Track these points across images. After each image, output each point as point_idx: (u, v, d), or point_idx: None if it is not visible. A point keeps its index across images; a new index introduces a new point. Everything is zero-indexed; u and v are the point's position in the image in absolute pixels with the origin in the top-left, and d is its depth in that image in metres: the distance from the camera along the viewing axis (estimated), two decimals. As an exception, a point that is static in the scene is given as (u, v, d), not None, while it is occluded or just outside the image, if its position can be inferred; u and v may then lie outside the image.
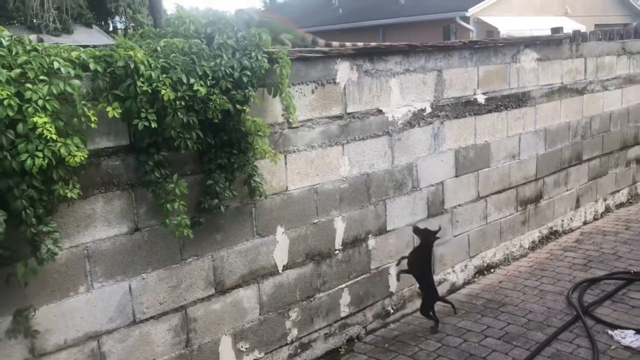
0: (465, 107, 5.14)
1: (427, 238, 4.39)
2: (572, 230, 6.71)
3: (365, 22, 20.63)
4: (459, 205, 5.23)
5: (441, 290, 5.12)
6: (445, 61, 4.88)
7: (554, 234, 6.49)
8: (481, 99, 5.29)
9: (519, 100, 5.71)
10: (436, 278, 5.07)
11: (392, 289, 4.71)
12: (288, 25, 4.11)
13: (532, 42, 5.75)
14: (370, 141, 4.37)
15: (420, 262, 4.43)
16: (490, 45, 5.32)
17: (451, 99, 4.99)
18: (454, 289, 5.26)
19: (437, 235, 4.39)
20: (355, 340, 4.43)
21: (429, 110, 4.79)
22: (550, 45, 5.96)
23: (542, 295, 4.99)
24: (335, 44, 4.12)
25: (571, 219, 6.74)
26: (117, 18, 22.68)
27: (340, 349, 4.31)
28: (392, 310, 4.72)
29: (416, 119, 4.70)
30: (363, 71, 4.24)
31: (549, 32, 6.21)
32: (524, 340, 4.23)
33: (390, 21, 19.77)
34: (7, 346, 2.80)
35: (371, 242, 4.49)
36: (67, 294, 2.99)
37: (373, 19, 20.47)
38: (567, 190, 6.58)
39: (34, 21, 16.87)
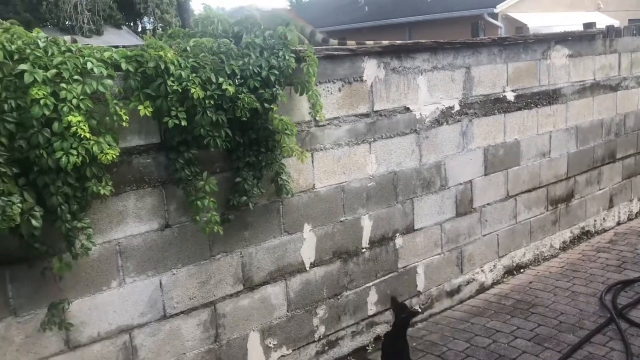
0: (494, 105, 5.07)
1: (399, 316, 3.58)
2: (605, 231, 6.55)
3: (391, 19, 20.51)
4: (487, 204, 5.16)
5: (469, 290, 5.08)
6: (474, 58, 4.82)
7: (586, 234, 6.35)
8: (510, 96, 5.21)
9: (550, 97, 5.60)
10: (465, 278, 5.03)
11: (420, 287, 4.68)
12: (289, 18, 4.09)
13: (563, 38, 5.64)
14: (398, 139, 4.35)
15: (394, 349, 3.58)
16: (520, 41, 5.24)
17: (480, 97, 4.93)
18: (482, 289, 5.19)
19: (413, 317, 3.67)
20: (383, 339, 4.41)
21: (457, 107, 4.74)
22: (582, 41, 5.83)
23: (574, 297, 4.89)
24: (350, 42, 4.11)
25: (604, 218, 6.58)
26: (145, 19, 23.07)
27: (367, 347, 4.31)
28: (419, 310, 4.69)
29: (444, 116, 4.66)
30: (390, 69, 4.22)
31: (580, 28, 6.07)
32: (555, 342, 4.15)
33: (417, 18, 19.60)
34: (44, 337, 2.89)
35: (398, 240, 4.46)
36: (100, 288, 3.06)
37: (399, 16, 20.34)
38: (599, 190, 6.42)
39: (67, 23, 17.30)
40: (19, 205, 2.52)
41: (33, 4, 17.43)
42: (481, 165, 5.05)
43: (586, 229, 6.35)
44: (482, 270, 5.21)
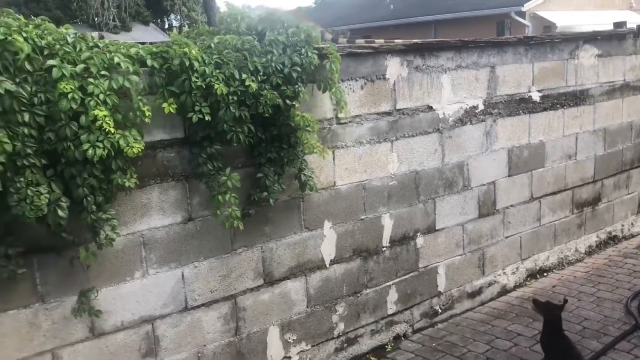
0: (519, 105, 5.01)
1: (550, 313, 3.58)
2: (632, 236, 6.41)
3: (417, 17, 20.33)
4: (511, 205, 5.10)
5: (490, 292, 5.03)
6: (499, 57, 4.76)
7: (612, 239, 6.22)
8: (536, 96, 5.13)
9: (577, 98, 5.50)
10: (486, 280, 4.98)
11: (441, 288, 4.65)
12: (293, 20, 4.00)
13: (592, 38, 5.53)
14: (420, 138, 4.33)
15: (550, 343, 3.62)
16: (547, 41, 5.16)
17: (504, 96, 4.87)
18: (504, 291, 5.13)
19: (563, 309, 3.56)
20: (402, 338, 4.41)
21: (481, 107, 4.70)
22: (612, 40, 5.71)
23: (598, 303, 4.80)
24: (359, 41, 4.06)
25: (632, 223, 6.43)
26: (172, 16, 23.37)
27: (386, 346, 4.30)
28: (440, 310, 4.66)
29: (468, 116, 4.62)
30: (413, 67, 4.20)
31: (610, 27, 5.95)
32: (578, 347, 4.06)
33: (443, 17, 19.40)
34: (70, 324, 2.97)
35: (419, 240, 4.45)
36: (124, 279, 3.12)
37: (425, 14, 20.16)
38: (628, 194, 6.29)
39: (95, 19, 17.62)
40: (47, 195, 2.60)
41: (64, 1, 17.82)
42: (505, 166, 4.99)
43: (613, 233, 6.22)
44: (504, 273, 5.15)
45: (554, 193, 5.47)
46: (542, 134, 5.25)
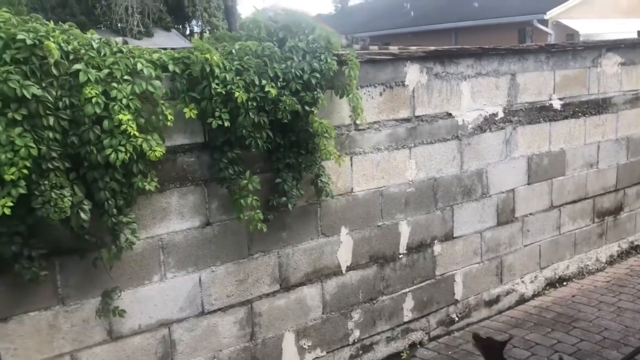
0: (540, 113, 4.96)
1: (490, 351, 2.98)
2: (655, 246, 6.30)
3: (437, 25, 20.25)
4: (530, 214, 5.05)
5: (508, 300, 4.97)
6: (520, 65, 4.73)
7: (635, 249, 6.11)
8: (557, 104, 5.08)
9: (599, 106, 5.43)
10: (504, 288, 4.93)
11: (458, 296, 4.61)
12: (314, 22, 3.95)
13: (615, 46, 5.46)
14: (439, 145, 4.31)
15: None
16: (569, 48, 5.11)
17: (525, 104, 4.83)
18: (522, 300, 5.07)
19: (505, 346, 3.09)
20: (418, 346, 4.38)
21: (501, 115, 4.67)
22: (635, 48, 5.62)
23: (619, 313, 4.72)
24: (373, 47, 4.07)
25: (654, 233, 6.32)
26: (193, 22, 23.63)
27: (402, 354, 4.28)
28: (456, 318, 4.62)
29: (487, 123, 4.59)
30: (433, 74, 4.19)
31: (635, 35, 5.86)
32: (598, 358, 4.02)
33: (463, 24, 19.29)
34: (88, 327, 3.01)
35: (437, 247, 4.42)
36: (142, 282, 3.16)
37: (445, 22, 20.07)
38: (650, 203, 6.17)
39: (119, 25, 17.91)
40: (70, 198, 2.66)
41: (88, 7, 18.17)
42: (524, 174, 4.94)
43: (635, 243, 6.11)
44: (523, 281, 5.09)
45: (574, 202, 5.40)
46: (563, 142, 5.19)
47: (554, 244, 5.29)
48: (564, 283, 5.41)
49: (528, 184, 4.98)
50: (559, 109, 5.10)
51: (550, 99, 5.02)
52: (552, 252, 5.29)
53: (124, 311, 3.05)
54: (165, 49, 3.25)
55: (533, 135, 4.94)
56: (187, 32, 23.76)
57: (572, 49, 5.13)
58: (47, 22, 2.75)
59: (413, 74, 4.08)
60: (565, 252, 5.41)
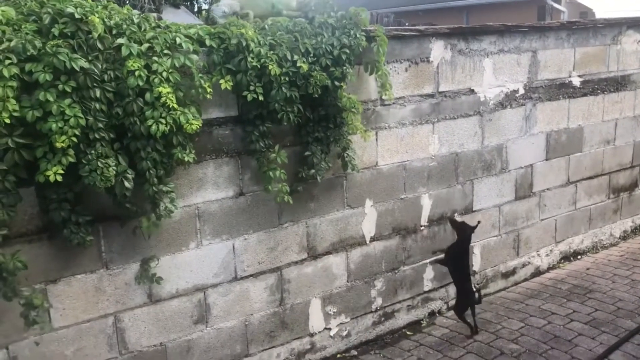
0: (559, 90, 5.02)
1: (463, 232, 4.08)
2: (668, 222, 6.39)
3: (448, 2, 20.02)
4: (547, 189, 5.15)
5: (524, 272, 5.11)
6: (541, 42, 4.78)
7: (648, 225, 6.22)
8: (576, 81, 5.14)
9: (618, 83, 5.48)
10: (520, 261, 5.06)
11: (476, 267, 4.75)
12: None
13: (635, 23, 5.48)
14: (461, 121, 4.40)
15: (454, 256, 4.14)
16: (589, 26, 5.14)
17: (545, 81, 4.89)
18: (537, 272, 5.21)
19: (474, 230, 4.08)
20: (437, 314, 4.54)
21: (521, 91, 4.74)
22: (655, 25, 5.64)
23: (633, 285, 4.85)
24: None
25: (668, 210, 6.40)
26: (202, -1, 23.50)
27: (422, 321, 4.44)
28: (474, 289, 4.75)
29: (508, 100, 4.66)
30: (457, 50, 4.26)
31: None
32: (612, 326, 4.16)
33: (475, 1, 19.04)
34: (131, 290, 3.17)
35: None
36: (180, 249, 3.31)
37: (457, -1, 19.82)
38: (665, 180, 6.25)
39: (127, 2, 17.89)
40: (114, 167, 2.78)
41: (99, -17, 18.15)
42: (543, 150, 5.03)
43: (649, 219, 6.21)
44: (539, 255, 5.22)
45: (590, 177, 5.49)
46: (581, 118, 5.26)
47: (570, 218, 5.40)
48: (579, 257, 5.53)
49: (546, 159, 5.07)
50: (578, 86, 5.15)
51: (570, 76, 5.08)
52: (568, 227, 5.41)
53: (161, 278, 3.21)
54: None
55: (552, 111, 5.01)
56: (195, 9, 23.66)
57: (592, 26, 5.16)
58: None
59: (437, 50, 4.15)
60: (581, 227, 5.53)
